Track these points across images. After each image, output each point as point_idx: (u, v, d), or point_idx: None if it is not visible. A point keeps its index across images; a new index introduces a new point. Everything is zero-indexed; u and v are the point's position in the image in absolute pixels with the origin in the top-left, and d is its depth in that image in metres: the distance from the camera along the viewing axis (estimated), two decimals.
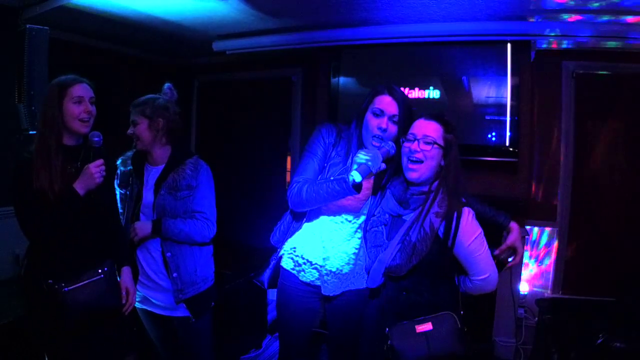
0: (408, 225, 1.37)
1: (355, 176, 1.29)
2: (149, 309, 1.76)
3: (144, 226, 1.66)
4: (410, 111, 1.43)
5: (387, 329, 1.35)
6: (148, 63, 3.81)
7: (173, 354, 1.89)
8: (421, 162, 1.37)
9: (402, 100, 1.42)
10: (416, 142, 1.37)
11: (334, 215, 1.52)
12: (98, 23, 2.81)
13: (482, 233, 1.39)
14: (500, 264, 1.52)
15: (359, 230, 1.54)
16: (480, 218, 1.42)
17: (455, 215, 1.35)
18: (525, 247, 2.77)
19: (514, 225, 1.51)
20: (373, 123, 1.42)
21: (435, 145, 1.37)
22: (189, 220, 1.71)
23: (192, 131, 4.22)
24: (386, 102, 1.42)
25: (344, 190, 1.36)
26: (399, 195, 1.41)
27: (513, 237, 1.50)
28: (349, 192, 1.36)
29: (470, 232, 1.36)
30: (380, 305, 1.46)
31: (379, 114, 1.42)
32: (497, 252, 1.52)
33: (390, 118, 1.41)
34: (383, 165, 1.34)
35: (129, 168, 1.76)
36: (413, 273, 1.36)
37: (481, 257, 1.38)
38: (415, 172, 1.37)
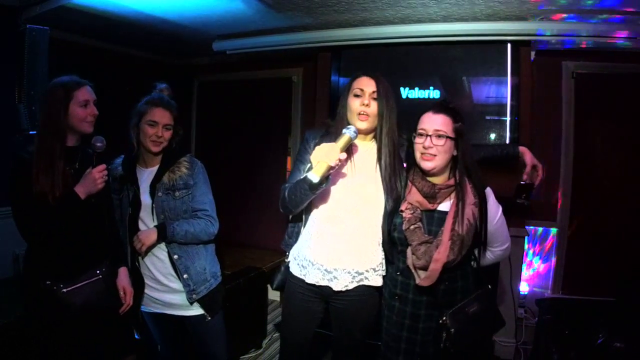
0: (451, 219, 1.39)
1: (312, 177, 1.36)
2: (158, 311, 1.73)
3: (148, 234, 1.60)
4: (389, 90, 1.52)
5: (442, 319, 1.40)
6: (148, 63, 3.81)
7: (181, 354, 1.88)
8: (435, 155, 1.40)
9: (379, 78, 1.52)
10: (428, 137, 1.40)
11: (333, 213, 1.53)
12: (98, 23, 2.81)
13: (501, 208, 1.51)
14: (528, 188, 1.62)
15: (365, 226, 1.52)
16: (494, 160, 1.52)
17: (484, 200, 1.43)
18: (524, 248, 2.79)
19: (523, 148, 1.64)
20: (356, 103, 1.51)
21: (448, 139, 1.40)
22: (193, 220, 1.68)
23: (192, 131, 4.21)
24: (365, 82, 1.52)
25: (307, 190, 1.41)
26: (427, 191, 1.44)
27: (529, 156, 1.63)
28: (311, 191, 1.41)
29: (495, 211, 1.48)
30: (417, 300, 1.47)
31: (360, 93, 1.51)
32: (524, 176, 1.63)
33: (370, 95, 1.50)
34: (343, 155, 1.38)
35: (119, 173, 1.70)
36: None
37: (503, 230, 1.52)
38: (430, 164, 1.41)
